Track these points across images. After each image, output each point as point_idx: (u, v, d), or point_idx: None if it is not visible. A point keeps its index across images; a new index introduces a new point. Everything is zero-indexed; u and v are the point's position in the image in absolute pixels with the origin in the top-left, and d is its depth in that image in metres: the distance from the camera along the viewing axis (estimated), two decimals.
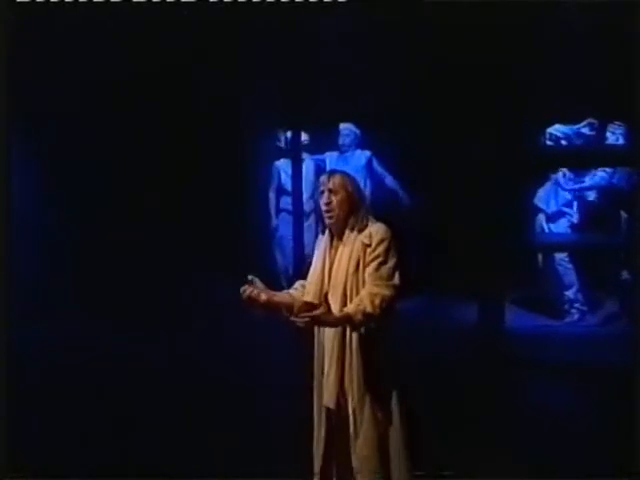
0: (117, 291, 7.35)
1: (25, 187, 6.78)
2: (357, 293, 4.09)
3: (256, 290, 4.17)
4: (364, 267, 4.10)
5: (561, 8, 7.16)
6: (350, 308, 4.02)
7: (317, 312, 3.94)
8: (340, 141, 9.41)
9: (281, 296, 4.30)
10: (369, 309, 3.98)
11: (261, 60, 7.81)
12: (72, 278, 7.39)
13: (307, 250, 8.25)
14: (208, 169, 7.94)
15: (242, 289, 4.16)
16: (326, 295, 4.13)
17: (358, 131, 9.39)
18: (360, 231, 4.15)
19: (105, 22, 6.40)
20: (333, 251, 4.24)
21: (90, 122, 7.32)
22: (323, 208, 4.20)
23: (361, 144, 9.40)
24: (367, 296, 4.01)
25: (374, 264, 4.09)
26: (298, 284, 4.40)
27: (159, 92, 7.43)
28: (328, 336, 4.18)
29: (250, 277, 4.19)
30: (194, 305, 7.57)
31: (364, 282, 4.08)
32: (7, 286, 5.15)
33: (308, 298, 4.15)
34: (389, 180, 9.25)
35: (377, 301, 3.99)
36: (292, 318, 3.93)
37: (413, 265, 4.42)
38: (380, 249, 4.09)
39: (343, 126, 9.40)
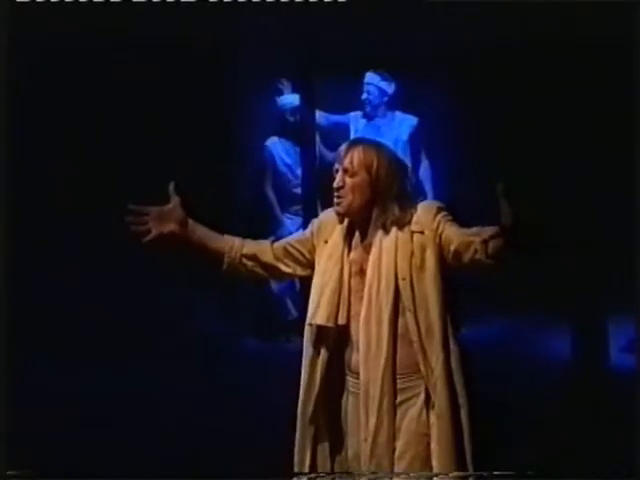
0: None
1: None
2: (423, 306, 3.26)
3: (149, 226, 3.36)
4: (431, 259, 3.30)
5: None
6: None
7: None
8: (363, 97, 7.15)
9: (213, 238, 3.48)
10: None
11: None
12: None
13: None
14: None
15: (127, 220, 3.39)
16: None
17: (389, 84, 7.14)
18: (401, 227, 3.33)
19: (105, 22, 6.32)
20: (355, 254, 3.40)
21: (91, 123, 7.09)
22: (334, 193, 3.43)
23: (398, 104, 7.16)
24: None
25: (446, 231, 3.28)
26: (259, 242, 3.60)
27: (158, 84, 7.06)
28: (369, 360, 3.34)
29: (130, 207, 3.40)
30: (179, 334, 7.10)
31: (428, 290, 3.26)
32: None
33: (318, 320, 3.35)
34: (424, 167, 7.15)
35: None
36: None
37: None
38: (439, 218, 3.30)
39: (369, 76, 7.14)
